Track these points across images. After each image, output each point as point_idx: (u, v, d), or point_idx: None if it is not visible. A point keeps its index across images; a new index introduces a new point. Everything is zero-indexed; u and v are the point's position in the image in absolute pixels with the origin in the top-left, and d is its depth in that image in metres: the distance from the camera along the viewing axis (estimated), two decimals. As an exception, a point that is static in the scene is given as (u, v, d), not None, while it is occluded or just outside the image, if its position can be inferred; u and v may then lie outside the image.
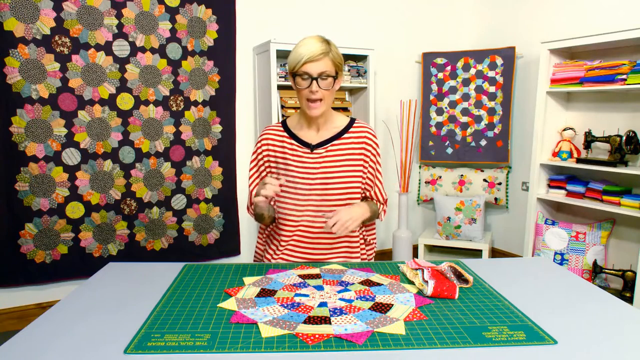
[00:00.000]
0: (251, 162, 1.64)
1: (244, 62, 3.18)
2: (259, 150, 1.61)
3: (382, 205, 1.67)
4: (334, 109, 1.66)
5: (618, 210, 2.67)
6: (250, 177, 1.65)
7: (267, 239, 1.67)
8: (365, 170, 1.59)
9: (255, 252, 1.74)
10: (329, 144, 1.55)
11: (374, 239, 1.72)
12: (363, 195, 1.62)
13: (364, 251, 1.66)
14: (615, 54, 2.85)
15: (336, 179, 1.54)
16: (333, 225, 1.38)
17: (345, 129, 1.58)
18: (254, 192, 1.61)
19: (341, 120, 1.60)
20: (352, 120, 1.61)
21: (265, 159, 1.60)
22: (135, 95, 2.81)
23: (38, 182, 2.62)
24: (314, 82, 1.43)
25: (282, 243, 1.58)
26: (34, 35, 2.51)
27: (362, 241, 1.66)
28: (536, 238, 3.16)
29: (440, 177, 3.76)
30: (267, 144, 1.60)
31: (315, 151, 1.55)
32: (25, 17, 2.48)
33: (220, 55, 3.03)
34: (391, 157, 3.79)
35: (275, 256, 1.59)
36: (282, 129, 1.60)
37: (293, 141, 1.57)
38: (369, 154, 1.59)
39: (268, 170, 1.61)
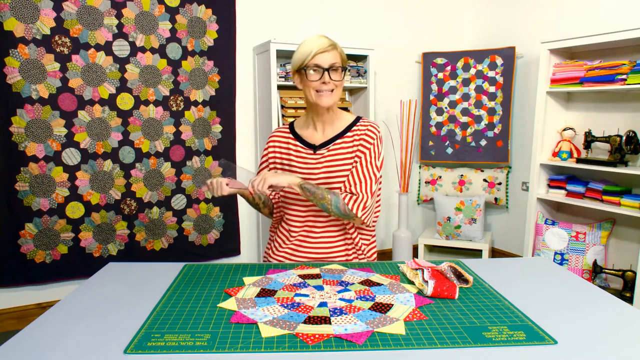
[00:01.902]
0: (259, 165, 1.68)
1: (244, 62, 3.18)
2: (265, 152, 1.65)
3: (349, 195, 1.47)
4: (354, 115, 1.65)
5: (618, 210, 2.67)
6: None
7: (274, 235, 1.68)
8: (357, 159, 1.53)
9: (265, 250, 1.75)
10: (331, 144, 1.55)
11: (371, 248, 1.63)
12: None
13: (362, 256, 1.63)
14: (615, 54, 2.85)
15: (338, 178, 1.53)
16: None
17: (349, 128, 1.56)
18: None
19: (346, 119, 1.59)
20: (358, 119, 1.59)
21: (271, 160, 1.63)
22: (135, 95, 2.81)
23: (38, 182, 2.62)
24: (326, 73, 1.44)
25: (287, 242, 1.59)
26: (34, 35, 2.51)
27: (359, 250, 1.60)
28: (536, 238, 3.16)
29: (440, 177, 3.76)
30: (274, 146, 1.63)
31: (318, 152, 1.55)
32: (25, 17, 2.48)
33: (220, 55, 3.03)
34: (391, 157, 3.79)
35: (278, 252, 1.60)
36: (288, 131, 1.63)
37: (298, 142, 1.58)
38: (363, 142, 1.52)
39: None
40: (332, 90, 1.47)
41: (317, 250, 1.57)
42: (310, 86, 1.47)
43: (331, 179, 1.53)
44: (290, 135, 1.61)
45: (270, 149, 1.64)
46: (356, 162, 1.52)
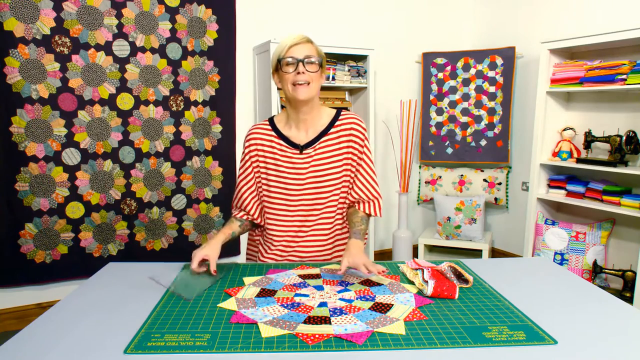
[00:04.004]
0: (240, 160, 1.61)
1: (244, 62, 3.18)
2: (247, 151, 1.58)
3: (369, 203, 1.57)
4: (334, 109, 1.64)
5: (618, 210, 2.67)
6: (239, 177, 1.61)
7: (260, 238, 1.67)
8: (354, 164, 1.55)
9: (247, 252, 1.73)
10: (317, 143, 1.53)
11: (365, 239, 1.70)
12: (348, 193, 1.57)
13: None
14: (615, 54, 2.85)
15: (327, 177, 1.52)
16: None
17: (331, 124, 1.54)
18: (242, 197, 1.60)
19: (327, 115, 1.57)
20: (338, 113, 1.57)
21: (254, 159, 1.57)
22: (135, 95, 2.81)
23: (38, 182, 2.62)
24: (300, 64, 1.43)
25: (275, 243, 1.57)
26: (34, 35, 2.51)
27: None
28: (536, 238, 3.16)
29: (440, 177, 3.76)
30: (256, 144, 1.56)
31: (304, 152, 1.53)
32: (25, 17, 2.48)
33: (220, 55, 3.03)
34: (391, 157, 3.79)
35: (266, 254, 1.58)
36: (270, 128, 1.57)
37: (282, 142, 1.54)
38: (355, 145, 1.54)
39: (257, 170, 1.57)
40: (308, 84, 1.44)
41: (304, 253, 1.57)
42: (286, 79, 1.45)
43: (319, 178, 1.52)
44: (273, 134, 1.55)
45: (253, 147, 1.56)
46: (358, 170, 1.55)
